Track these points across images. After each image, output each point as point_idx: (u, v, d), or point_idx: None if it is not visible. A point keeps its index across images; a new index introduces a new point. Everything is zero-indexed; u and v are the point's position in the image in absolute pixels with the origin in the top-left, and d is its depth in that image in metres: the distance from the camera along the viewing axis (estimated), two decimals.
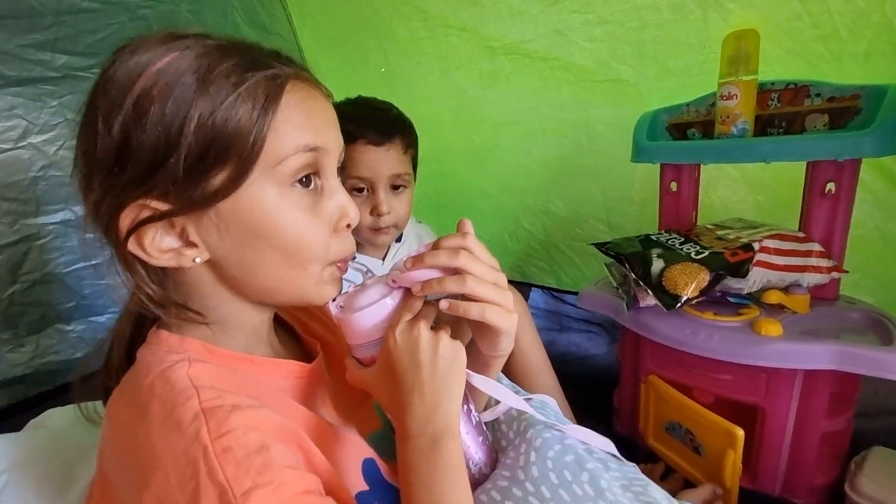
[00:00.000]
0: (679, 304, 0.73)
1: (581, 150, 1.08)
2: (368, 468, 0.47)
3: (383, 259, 0.94)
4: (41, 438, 0.62)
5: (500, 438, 0.54)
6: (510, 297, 0.43)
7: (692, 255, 0.77)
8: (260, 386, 0.41)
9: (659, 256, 0.78)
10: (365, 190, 0.82)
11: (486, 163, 1.25)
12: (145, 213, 0.36)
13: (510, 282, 1.16)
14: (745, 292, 0.80)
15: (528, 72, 1.05)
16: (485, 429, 0.52)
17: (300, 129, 0.38)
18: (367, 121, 0.79)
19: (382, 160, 0.79)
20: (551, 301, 1.35)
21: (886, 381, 0.66)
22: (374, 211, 0.81)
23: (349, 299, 0.45)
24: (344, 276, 0.46)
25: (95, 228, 0.39)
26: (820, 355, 0.69)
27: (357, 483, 0.44)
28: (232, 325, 0.43)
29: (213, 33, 0.39)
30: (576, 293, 1.23)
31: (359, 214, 0.44)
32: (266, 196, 0.38)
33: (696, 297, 0.73)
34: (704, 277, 0.74)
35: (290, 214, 0.39)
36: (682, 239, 0.83)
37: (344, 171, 0.78)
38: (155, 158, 0.35)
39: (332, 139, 0.41)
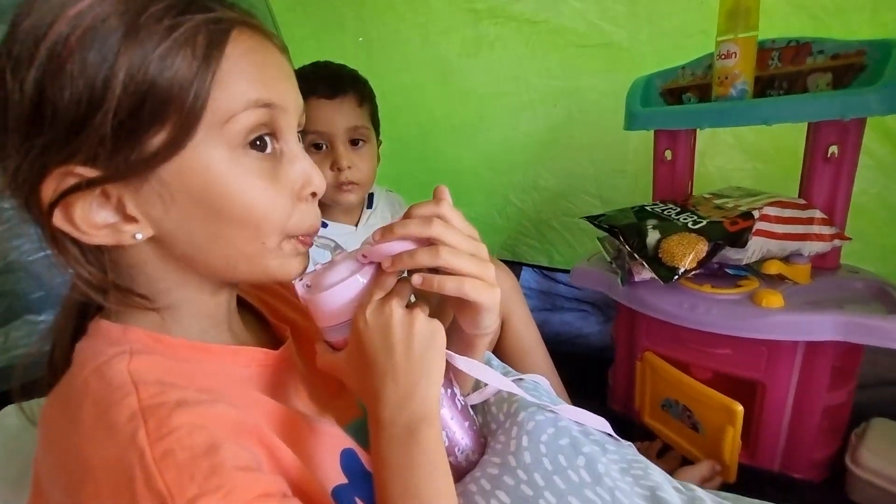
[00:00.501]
0: (676, 277, 0.69)
1: (571, 121, 1.03)
2: (348, 459, 0.42)
3: (356, 225, 0.90)
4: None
5: (490, 421, 0.51)
6: (491, 269, 0.38)
7: (689, 225, 0.73)
8: (216, 377, 0.36)
9: (654, 227, 0.74)
10: (323, 146, 0.81)
11: (472, 138, 1.19)
12: (70, 181, 0.31)
13: (501, 261, 1.12)
14: (744, 263, 0.77)
15: (514, 37, 0.99)
16: (472, 413, 0.48)
17: (250, 81, 0.33)
18: (318, 74, 0.80)
19: (337, 113, 0.79)
20: (543, 280, 1.31)
21: (886, 352, 0.64)
22: (335, 165, 0.80)
23: (316, 278, 0.40)
24: (311, 255, 0.42)
25: (15, 200, 0.33)
26: (824, 326, 0.66)
27: (335, 476, 0.40)
28: (184, 309, 0.38)
29: None
30: (568, 271, 1.20)
31: (325, 181, 0.39)
32: (215, 159, 0.33)
33: (693, 269, 0.70)
34: (702, 248, 0.70)
35: (245, 180, 0.34)
36: (679, 209, 0.79)
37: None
38: (77, 117, 0.30)
39: (288, 95, 0.36)
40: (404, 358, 0.36)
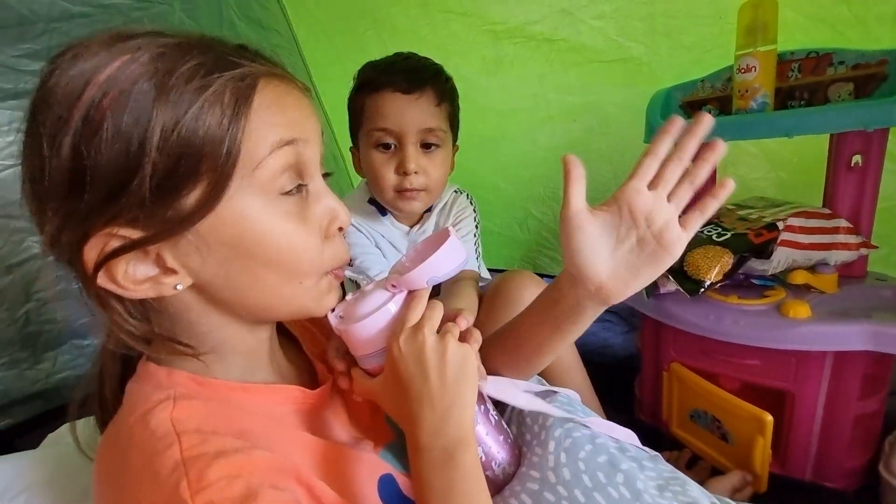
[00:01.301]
0: (703, 290, 0.70)
1: (591, 135, 1.05)
2: (385, 486, 0.43)
3: (410, 228, 0.83)
4: (60, 456, 0.61)
5: (525, 432, 0.52)
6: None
7: (714, 237, 0.74)
8: (255, 417, 0.38)
9: None
10: (392, 146, 0.73)
11: (492, 153, 1.21)
12: (114, 244, 0.32)
13: None
14: (770, 273, 0.77)
15: (532, 56, 1.01)
16: (505, 426, 0.50)
17: (274, 126, 0.34)
18: (396, 66, 0.72)
19: (412, 110, 0.71)
20: None
21: None
22: (400, 168, 0.72)
23: (349, 308, 0.42)
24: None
25: (58, 260, 0.34)
26: (852, 336, 0.67)
27: (374, 501, 0.41)
28: (226, 350, 0.39)
29: (168, 29, 0.34)
30: None
31: (349, 215, 0.40)
32: (248, 207, 0.34)
33: (719, 282, 0.71)
34: (728, 260, 0.71)
35: (277, 224, 0.35)
36: None
37: (367, 123, 0.71)
38: (116, 180, 0.30)
39: (310, 129, 0.37)
40: (439, 384, 0.37)
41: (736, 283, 0.80)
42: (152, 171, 0.30)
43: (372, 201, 0.81)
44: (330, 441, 0.41)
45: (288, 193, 0.36)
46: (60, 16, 0.88)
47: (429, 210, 0.86)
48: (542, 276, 1.31)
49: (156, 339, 0.36)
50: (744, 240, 0.72)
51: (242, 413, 0.37)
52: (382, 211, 0.80)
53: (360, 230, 0.79)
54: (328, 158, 1.48)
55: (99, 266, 0.32)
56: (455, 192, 0.92)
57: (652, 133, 0.87)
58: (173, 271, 0.34)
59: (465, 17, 1.04)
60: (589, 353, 1.25)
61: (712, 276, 0.70)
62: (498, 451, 0.47)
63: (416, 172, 0.72)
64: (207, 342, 0.38)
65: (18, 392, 0.91)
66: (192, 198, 0.32)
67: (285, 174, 0.35)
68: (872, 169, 0.73)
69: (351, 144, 0.83)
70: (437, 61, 0.98)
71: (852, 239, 0.75)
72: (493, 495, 0.42)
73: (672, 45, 0.89)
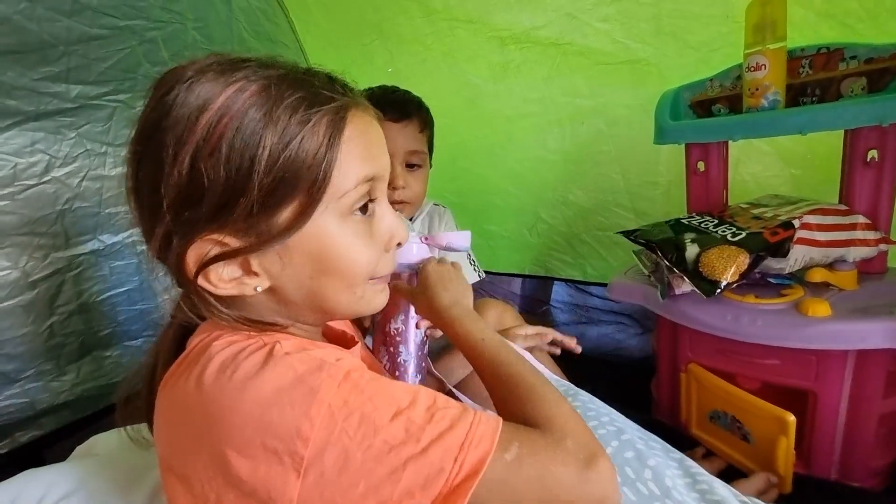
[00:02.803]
0: (719, 291, 0.70)
1: (600, 137, 1.05)
2: None
3: None
4: (92, 465, 0.63)
5: None
6: None
7: (728, 237, 0.74)
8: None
9: (693, 241, 0.75)
10: None
11: (500, 158, 1.22)
12: (216, 250, 0.36)
13: (531, 277, 1.19)
14: (787, 272, 0.76)
15: (539, 60, 1.02)
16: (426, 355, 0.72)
17: (361, 160, 0.39)
18: (387, 99, 0.85)
19: (400, 136, 0.84)
20: (577, 294, 1.32)
21: None
22: (390, 184, 0.81)
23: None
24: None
25: (161, 261, 0.39)
26: (874, 334, 0.66)
27: None
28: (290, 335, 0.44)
29: (268, 60, 0.38)
30: (603, 284, 1.20)
31: (408, 232, 0.46)
32: (329, 227, 0.38)
33: (735, 282, 0.70)
34: (744, 260, 0.70)
35: (350, 241, 0.40)
36: (716, 221, 0.79)
37: None
38: (227, 195, 0.35)
39: (384, 165, 0.42)
40: (453, 286, 0.59)
41: (752, 282, 0.79)
42: (257, 190, 0.35)
43: None
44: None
45: (361, 214, 0.41)
46: (79, 38, 0.91)
47: (410, 219, 0.99)
48: (552, 279, 1.32)
49: (236, 320, 0.40)
50: (759, 239, 0.72)
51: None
52: None
53: None
54: None
55: (201, 268, 0.36)
56: (434, 204, 1.04)
57: (661, 134, 0.87)
58: (256, 274, 0.38)
59: (471, 25, 1.05)
60: (604, 354, 1.25)
61: (728, 276, 0.69)
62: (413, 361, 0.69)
63: (403, 187, 0.86)
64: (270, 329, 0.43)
65: (45, 403, 0.93)
66: (285, 215, 0.36)
67: (363, 202, 0.40)
68: (889, 164, 0.72)
69: None
70: (443, 70, 1.02)
71: (871, 235, 0.74)
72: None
73: (679, 46, 0.89)
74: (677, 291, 0.80)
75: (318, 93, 0.37)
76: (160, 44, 1.01)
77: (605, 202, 1.11)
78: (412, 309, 0.68)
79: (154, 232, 0.37)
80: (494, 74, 1.08)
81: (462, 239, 0.70)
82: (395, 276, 0.65)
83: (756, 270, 0.73)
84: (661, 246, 0.78)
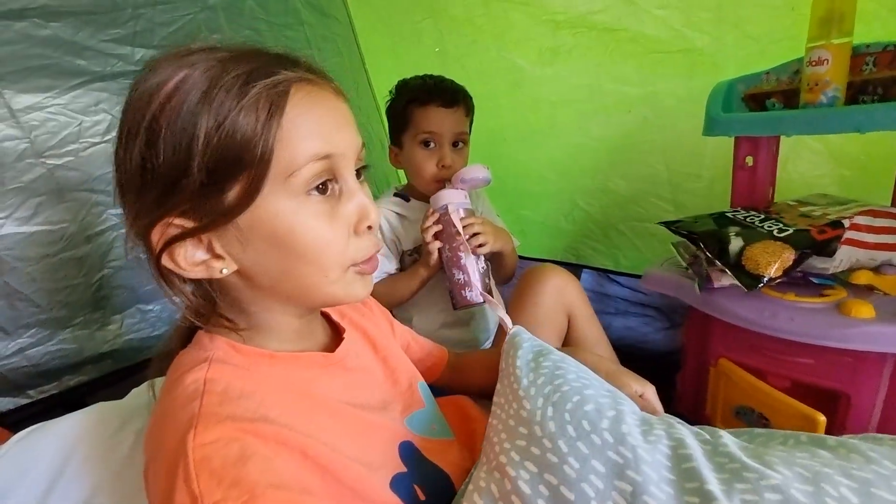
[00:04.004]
0: (761, 285, 0.70)
1: (646, 126, 1.04)
2: (406, 450, 0.48)
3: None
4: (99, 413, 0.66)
5: (517, 389, 0.51)
6: None
7: (774, 233, 0.73)
8: (278, 383, 0.42)
9: (737, 235, 0.75)
10: (430, 143, 0.93)
11: (540, 144, 1.22)
12: (172, 231, 0.37)
13: (561, 263, 1.22)
14: (830, 272, 0.76)
15: (591, 46, 1.01)
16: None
17: (309, 137, 0.38)
18: (440, 87, 0.93)
19: (450, 119, 0.92)
20: (606, 283, 1.32)
21: None
22: (440, 162, 0.93)
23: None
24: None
25: (136, 246, 0.40)
26: None
27: (394, 465, 0.45)
28: (270, 328, 0.45)
29: (225, 43, 0.39)
30: (634, 275, 1.21)
31: (380, 215, 0.48)
32: (282, 207, 0.38)
33: (778, 278, 0.70)
34: (789, 256, 0.70)
35: (307, 223, 0.39)
36: (762, 216, 0.79)
37: (413, 128, 0.92)
38: (171, 178, 0.36)
39: (344, 141, 0.41)
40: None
41: (793, 280, 0.79)
42: (198, 170, 0.35)
43: (397, 194, 1.02)
44: (352, 406, 0.46)
45: (321, 194, 0.40)
46: (146, 2, 0.94)
47: None
48: (582, 266, 1.32)
49: (210, 315, 0.43)
50: (806, 236, 0.71)
51: (268, 380, 0.42)
52: (406, 198, 1.01)
53: (381, 231, 0.98)
54: (375, 145, 1.52)
55: (162, 250, 0.38)
56: None
57: (712, 125, 0.86)
58: (220, 257, 0.39)
59: (526, 7, 1.04)
60: (628, 346, 1.26)
61: (771, 271, 0.69)
62: (476, 283, 0.84)
63: (451, 165, 0.93)
64: (254, 320, 0.44)
65: (90, 351, 0.99)
66: (232, 194, 0.37)
67: (318, 180, 0.39)
68: None
69: (389, 143, 1.01)
70: (492, 52, 1.04)
71: None
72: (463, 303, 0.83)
73: (738, 36, 0.87)
74: (716, 285, 0.80)
75: (258, 68, 0.37)
76: (219, 12, 1.04)
77: (645, 192, 1.11)
78: (467, 239, 0.83)
79: (126, 218, 0.39)
80: (543, 59, 1.08)
81: (478, 171, 0.85)
82: (442, 216, 0.84)
83: (799, 268, 0.73)
84: (704, 238, 0.78)
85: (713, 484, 0.37)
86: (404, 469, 0.46)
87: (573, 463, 0.40)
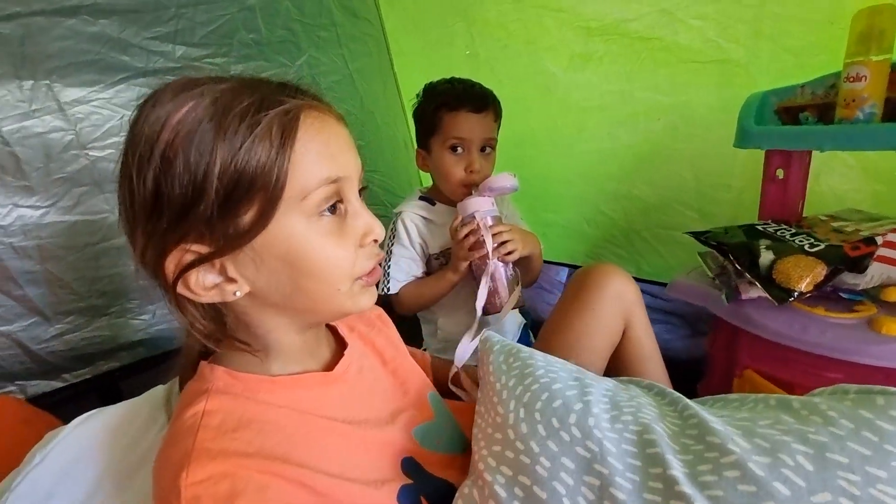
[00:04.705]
0: (791, 299, 0.70)
1: (675, 135, 1.04)
2: (409, 465, 0.49)
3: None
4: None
5: (492, 395, 0.52)
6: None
7: (806, 247, 0.73)
8: (279, 409, 0.43)
9: (768, 248, 0.75)
10: (459, 148, 0.94)
11: (567, 148, 1.23)
12: (188, 258, 0.38)
13: (578, 267, 1.23)
14: (860, 288, 0.76)
15: (624, 53, 1.01)
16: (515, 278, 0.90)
17: (320, 161, 0.40)
18: (469, 92, 0.93)
19: (479, 125, 0.92)
20: None
21: None
22: (469, 168, 0.93)
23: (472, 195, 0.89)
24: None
25: (146, 274, 0.41)
26: None
27: (398, 478, 0.47)
28: (278, 349, 0.46)
29: (226, 75, 0.41)
30: (657, 282, 1.21)
31: (384, 230, 0.47)
32: (295, 227, 0.40)
33: (809, 292, 0.70)
34: (820, 271, 0.70)
35: (319, 241, 0.41)
36: (793, 230, 0.79)
37: (442, 133, 0.93)
38: (187, 205, 0.37)
39: (350, 165, 0.43)
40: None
41: (823, 294, 0.79)
42: (215, 196, 0.36)
43: (422, 197, 1.03)
44: (355, 424, 0.47)
45: (330, 214, 0.42)
46: (188, 2, 0.97)
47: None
48: None
49: (223, 338, 0.43)
50: (839, 252, 0.71)
51: (268, 407, 0.43)
52: (431, 202, 1.02)
53: (409, 235, 1.00)
54: (399, 146, 1.54)
55: (178, 276, 0.39)
56: None
57: (744, 137, 0.86)
58: (234, 280, 0.40)
59: (559, 14, 1.05)
60: None
61: (803, 285, 0.70)
62: (505, 289, 0.88)
63: (479, 170, 0.93)
64: (260, 342, 0.45)
65: (124, 338, 1.02)
66: (247, 218, 0.38)
67: (328, 203, 0.42)
68: None
69: (417, 146, 1.01)
70: (523, 56, 1.05)
71: None
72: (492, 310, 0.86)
73: (775, 49, 0.87)
74: (744, 296, 0.80)
75: (267, 97, 0.38)
76: (257, 12, 1.06)
77: (671, 200, 1.11)
78: (493, 247, 0.84)
79: (134, 247, 0.39)
80: (574, 65, 1.08)
81: (505, 179, 0.86)
82: (468, 222, 0.86)
83: (830, 283, 0.73)
84: (734, 250, 0.78)
85: (676, 468, 0.38)
86: (410, 481, 0.47)
87: (544, 462, 0.42)
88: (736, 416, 0.45)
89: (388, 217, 1.48)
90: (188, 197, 0.36)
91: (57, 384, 0.96)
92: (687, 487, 0.37)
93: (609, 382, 0.51)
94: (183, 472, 0.36)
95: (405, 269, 0.98)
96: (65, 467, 0.54)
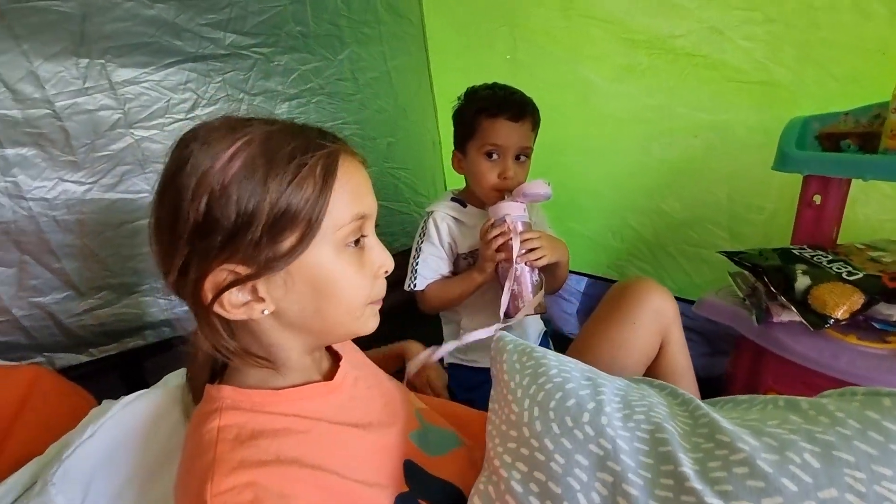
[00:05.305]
0: (827, 325, 0.70)
1: (711, 153, 1.04)
2: (410, 469, 0.51)
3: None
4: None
5: (507, 393, 0.53)
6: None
7: (843, 275, 0.74)
8: (287, 417, 0.46)
9: (804, 273, 0.75)
10: (494, 155, 0.94)
11: (600, 159, 1.23)
12: (229, 277, 0.42)
13: (602, 279, 1.25)
14: (894, 319, 0.76)
15: (667, 68, 1.02)
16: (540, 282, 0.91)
17: (352, 199, 0.45)
18: (509, 100, 0.94)
19: (516, 133, 0.93)
20: None
21: None
22: (502, 175, 0.94)
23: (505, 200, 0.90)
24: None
25: (179, 292, 0.44)
26: None
27: (398, 484, 0.49)
28: (291, 365, 0.49)
29: (269, 118, 0.45)
30: (680, 299, 1.21)
31: (393, 263, 0.52)
32: (325, 256, 0.44)
33: (845, 320, 0.71)
34: (857, 300, 0.71)
35: (343, 270, 0.46)
36: (829, 257, 0.79)
37: (479, 138, 0.93)
38: (236, 231, 0.41)
39: (372, 205, 0.49)
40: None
41: (854, 322, 0.79)
42: (262, 227, 0.41)
43: (454, 198, 1.05)
44: (358, 427, 0.50)
45: (353, 246, 0.47)
46: None
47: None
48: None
49: (241, 354, 0.46)
50: (877, 282, 0.71)
51: (276, 417, 0.45)
52: (463, 203, 1.04)
53: (439, 234, 1.01)
54: (427, 145, 1.55)
55: (217, 295, 0.42)
56: None
57: (784, 161, 0.86)
58: (262, 300, 0.44)
59: (607, 24, 1.05)
60: None
61: (839, 313, 0.70)
62: (529, 294, 0.88)
63: (512, 177, 0.95)
64: (273, 357, 0.48)
65: (151, 317, 1.04)
66: (287, 244, 0.42)
67: (354, 236, 0.47)
68: None
69: (454, 147, 1.03)
70: (564, 64, 1.04)
71: None
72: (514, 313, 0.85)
73: (821, 75, 0.87)
74: (775, 319, 0.80)
75: (312, 142, 0.43)
76: (307, 5, 1.07)
77: (701, 218, 1.11)
78: (521, 252, 0.86)
79: (172, 264, 0.42)
80: (616, 76, 1.09)
81: (539, 186, 0.87)
82: (498, 225, 0.87)
83: (865, 313, 0.73)
84: (769, 273, 0.79)
85: (686, 465, 0.40)
86: (406, 489, 0.49)
87: (559, 459, 0.43)
88: (746, 416, 0.46)
89: (408, 214, 1.50)
90: (239, 224, 0.40)
91: (83, 358, 0.98)
92: (697, 483, 0.38)
93: (621, 381, 0.53)
94: (207, 483, 0.38)
95: (433, 267, 0.99)
96: (108, 451, 0.55)
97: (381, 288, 0.51)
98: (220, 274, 0.41)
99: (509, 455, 0.46)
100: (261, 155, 0.41)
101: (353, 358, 0.59)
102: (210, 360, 0.50)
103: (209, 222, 0.40)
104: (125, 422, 0.58)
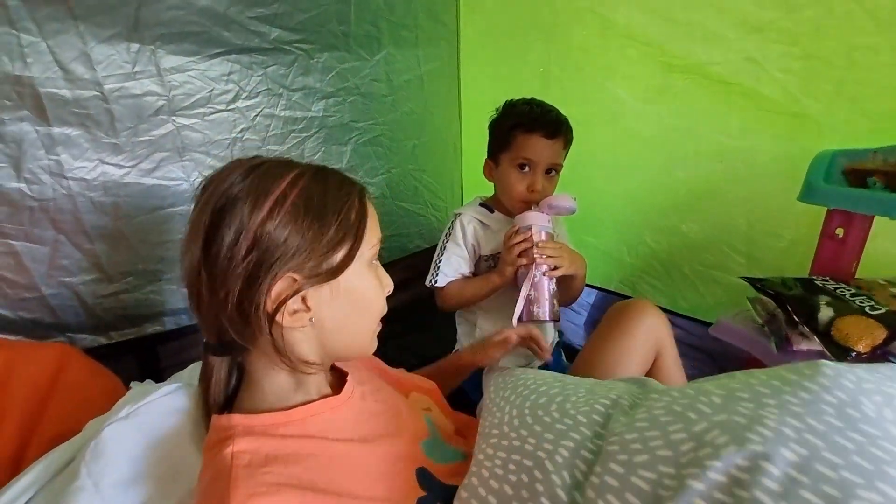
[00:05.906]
0: (849, 357, 0.72)
1: (735, 178, 1.07)
2: (422, 476, 0.54)
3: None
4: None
5: (494, 409, 0.60)
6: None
7: (867, 309, 0.76)
8: (298, 440, 0.49)
9: (828, 304, 0.78)
10: (526, 168, 0.98)
11: (622, 177, 1.25)
12: (295, 286, 0.47)
13: (614, 293, 1.28)
14: None
15: (699, 92, 1.04)
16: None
17: (374, 227, 0.54)
18: (546, 118, 0.97)
19: (549, 149, 0.97)
20: None
21: None
22: (531, 187, 0.98)
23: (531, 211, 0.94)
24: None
25: (234, 317, 0.47)
26: None
27: (414, 491, 0.52)
28: (309, 379, 0.54)
29: (302, 163, 0.53)
30: (691, 318, 1.23)
31: (392, 284, 0.58)
32: (360, 271, 0.52)
33: (866, 354, 0.73)
34: (880, 335, 0.73)
35: (371, 283, 0.54)
36: (852, 290, 0.82)
37: (513, 151, 1.00)
38: (304, 244, 0.47)
39: (380, 233, 0.57)
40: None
41: (872, 357, 0.81)
42: (325, 242, 0.48)
43: (483, 204, 1.09)
44: (368, 441, 0.53)
45: (373, 266, 0.54)
46: None
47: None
48: (629, 298, 1.34)
49: (286, 357, 0.49)
50: None
51: (288, 439, 0.48)
52: (490, 209, 1.07)
53: (465, 235, 1.05)
54: (448, 150, 1.56)
55: (283, 301, 0.46)
56: None
57: (810, 193, 0.89)
58: (309, 308, 0.49)
59: (645, 47, 1.07)
60: None
61: (862, 346, 0.72)
62: (545, 301, 0.90)
63: (540, 191, 0.98)
64: (301, 370, 0.51)
65: (172, 304, 1.04)
66: (338, 257, 0.49)
67: (376, 256, 0.55)
68: None
69: (487, 156, 1.06)
70: (597, 81, 1.05)
71: None
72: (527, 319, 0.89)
73: (853, 111, 0.90)
74: (794, 347, 0.82)
75: (346, 179, 0.53)
76: (351, 5, 1.09)
77: (719, 241, 1.13)
78: (541, 265, 0.89)
79: (227, 289, 0.45)
80: (648, 96, 1.11)
81: (566, 200, 0.91)
82: (523, 232, 0.91)
83: (885, 348, 0.75)
84: (792, 301, 0.81)
85: (618, 414, 0.49)
86: (423, 493, 0.52)
87: (530, 440, 0.51)
88: (693, 385, 0.52)
89: (424, 216, 1.51)
90: (306, 240, 0.47)
91: (102, 340, 0.98)
92: (623, 417, 0.48)
93: (590, 381, 0.61)
94: None
95: (454, 266, 1.02)
96: (142, 436, 0.57)
97: (386, 306, 0.57)
98: (287, 282, 0.46)
99: (491, 448, 0.53)
100: (316, 184, 0.49)
101: (357, 375, 0.62)
102: (227, 384, 0.53)
103: (272, 239, 0.46)
104: (162, 410, 0.59)
